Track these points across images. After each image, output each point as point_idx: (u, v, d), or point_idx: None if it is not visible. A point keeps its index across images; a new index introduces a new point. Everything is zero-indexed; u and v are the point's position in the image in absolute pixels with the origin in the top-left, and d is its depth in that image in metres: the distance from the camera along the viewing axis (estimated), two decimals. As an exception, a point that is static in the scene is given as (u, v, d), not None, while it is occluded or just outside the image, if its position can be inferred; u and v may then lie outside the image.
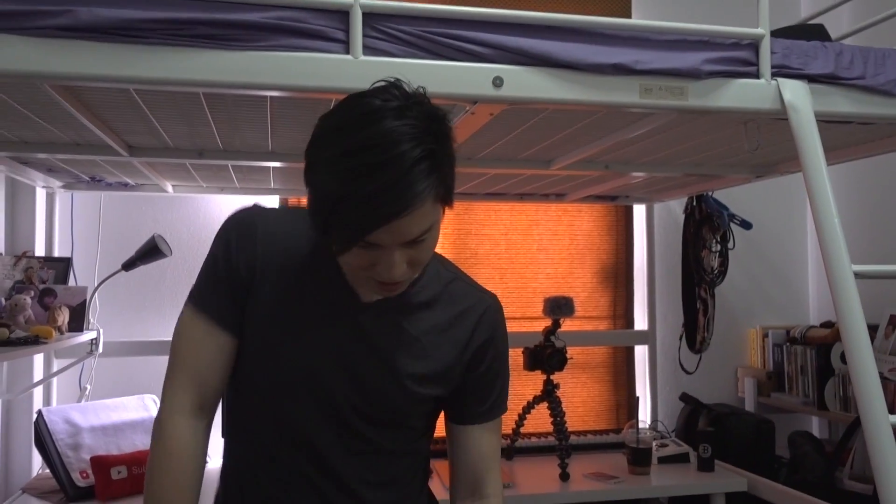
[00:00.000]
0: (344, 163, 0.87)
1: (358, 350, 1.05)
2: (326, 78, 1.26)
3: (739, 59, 1.44)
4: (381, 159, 0.87)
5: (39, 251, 2.47)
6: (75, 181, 2.43)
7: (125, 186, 2.51)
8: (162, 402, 1.08)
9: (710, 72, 1.41)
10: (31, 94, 1.41)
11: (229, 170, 2.20)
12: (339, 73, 1.26)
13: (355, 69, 1.26)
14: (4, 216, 2.42)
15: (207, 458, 1.11)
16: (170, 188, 2.52)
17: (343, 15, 1.27)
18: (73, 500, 2.05)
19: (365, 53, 1.27)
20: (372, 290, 1.01)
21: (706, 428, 2.56)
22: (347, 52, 1.27)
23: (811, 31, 1.77)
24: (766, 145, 1.81)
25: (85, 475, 2.09)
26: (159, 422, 1.07)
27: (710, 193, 2.77)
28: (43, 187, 2.47)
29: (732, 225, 2.75)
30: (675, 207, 3.07)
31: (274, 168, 2.14)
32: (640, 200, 3.00)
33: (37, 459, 2.41)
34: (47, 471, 2.31)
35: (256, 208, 1.11)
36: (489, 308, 1.15)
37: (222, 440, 1.16)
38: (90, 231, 2.58)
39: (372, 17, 1.28)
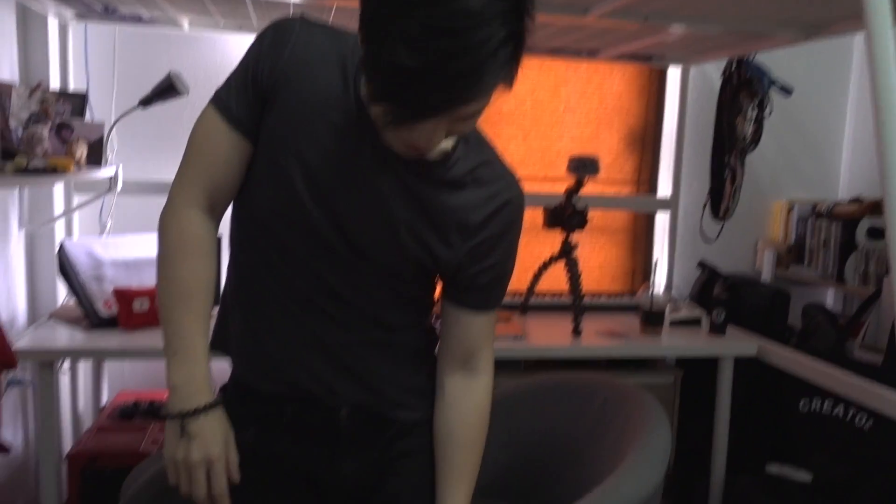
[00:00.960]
0: (422, 40, 0.79)
1: (366, 190, 1.01)
2: None
3: None
4: (464, 44, 0.79)
5: (54, 85, 2.41)
6: (87, 10, 2.33)
7: (139, 20, 2.41)
8: (171, 194, 1.05)
9: None
10: None
11: (247, 4, 2.09)
12: None
13: None
14: (17, 47, 2.34)
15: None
16: (185, 24, 2.42)
17: None
18: (97, 326, 2.11)
19: None
20: (399, 147, 0.96)
21: (721, 295, 2.56)
22: None
23: None
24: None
25: (108, 305, 2.14)
26: (169, 211, 1.04)
27: (751, 57, 2.63)
28: (55, 16, 2.38)
29: (771, 92, 2.63)
30: (710, 73, 2.93)
31: (294, 3, 2.04)
32: (676, 61, 2.86)
33: (62, 290, 2.47)
34: (72, 301, 2.37)
35: (302, 18, 1.04)
36: (512, 202, 1.09)
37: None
38: (105, 67, 2.51)
39: None
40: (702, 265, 2.88)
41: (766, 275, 2.98)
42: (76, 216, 2.51)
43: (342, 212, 1.02)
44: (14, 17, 2.32)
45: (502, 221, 1.09)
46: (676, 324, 2.59)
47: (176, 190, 1.05)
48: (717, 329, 2.50)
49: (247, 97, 1.01)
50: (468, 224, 1.06)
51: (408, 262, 1.06)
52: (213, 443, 0.99)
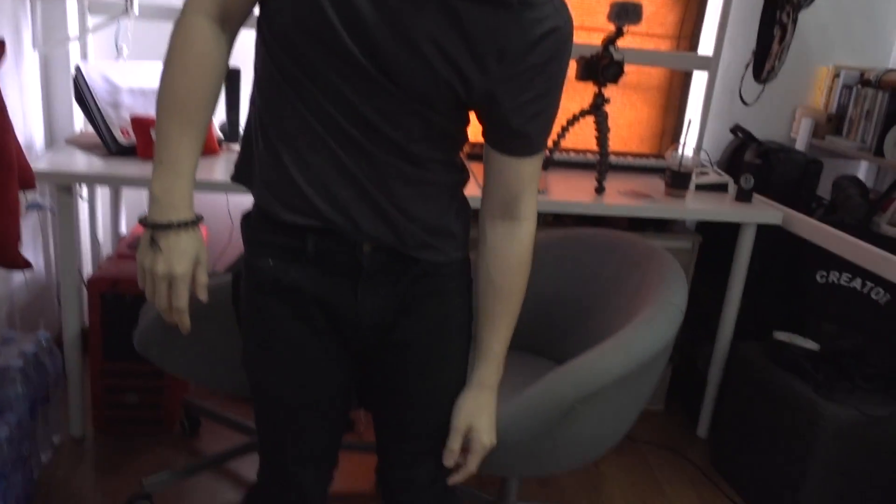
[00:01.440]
0: None
1: (396, 8, 0.93)
2: None
3: None
4: None
5: None
6: None
7: None
8: (184, 6, 1.01)
9: None
10: None
11: None
12: None
13: None
14: None
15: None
16: None
17: None
18: (114, 154, 2.09)
19: None
20: None
21: (753, 160, 2.48)
22: None
23: None
24: None
25: (126, 133, 2.10)
26: (179, 22, 1.00)
27: None
28: None
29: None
30: (772, -84, 2.68)
31: None
32: None
33: (78, 116, 2.43)
34: (90, 129, 2.34)
35: None
36: (560, 28, 1.00)
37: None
38: None
39: None
40: (736, 129, 2.78)
41: (801, 143, 2.88)
42: (91, 39, 2.42)
43: (371, 28, 0.94)
44: None
45: (547, 50, 1.01)
46: (703, 188, 2.54)
47: (189, 2, 1.00)
48: (744, 196, 2.44)
49: None
50: (509, 48, 0.99)
51: (439, 87, 1.00)
52: (178, 260, 0.99)
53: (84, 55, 2.42)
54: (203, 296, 1.04)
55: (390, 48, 0.96)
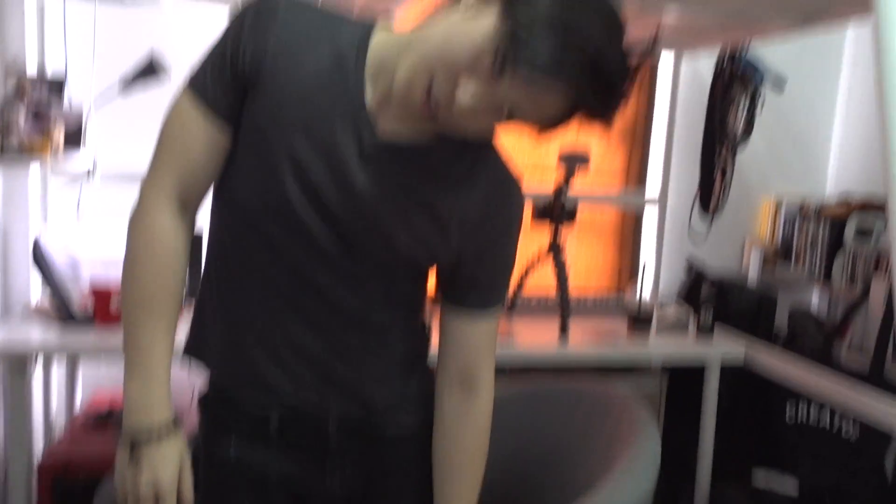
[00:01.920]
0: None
1: (357, 183, 0.95)
2: None
3: None
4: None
5: (32, 69, 2.33)
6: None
7: None
8: (142, 191, 0.99)
9: None
10: None
11: (232, -12, 2.02)
12: None
13: None
14: (-9, 26, 2.26)
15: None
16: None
17: None
18: (72, 323, 2.05)
19: None
20: (403, 103, 0.90)
21: (708, 297, 2.54)
22: None
23: None
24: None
25: (85, 301, 2.07)
26: (139, 214, 0.98)
27: (744, 51, 2.60)
28: (31, -5, 2.29)
29: (763, 89, 2.60)
30: (702, 69, 2.89)
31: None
32: (667, 46, 2.78)
33: (36, 282, 2.39)
34: (47, 295, 2.30)
35: None
36: (511, 187, 1.05)
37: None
38: (84, 49, 2.42)
39: None
40: (689, 266, 2.86)
41: (753, 275, 2.97)
42: (51, 205, 2.44)
43: (334, 207, 0.96)
44: (-13, -4, 2.23)
45: (504, 216, 1.05)
46: (664, 324, 2.57)
47: (147, 184, 0.99)
48: (706, 329, 2.48)
49: (225, 82, 0.95)
50: (468, 219, 1.01)
51: (401, 258, 1.01)
52: (163, 472, 0.94)
53: (44, 221, 2.42)
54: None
55: (353, 226, 0.97)
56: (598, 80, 0.84)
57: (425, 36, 0.89)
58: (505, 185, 1.05)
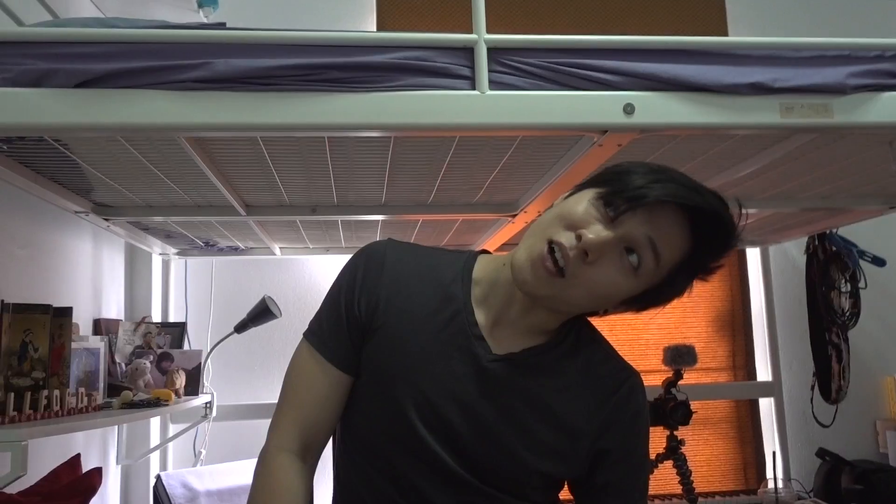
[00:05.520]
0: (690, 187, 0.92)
1: (480, 408, 0.97)
2: (454, 114, 1.23)
3: (885, 71, 1.35)
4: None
5: (156, 317, 2.53)
6: (189, 247, 2.50)
7: (236, 251, 2.56)
8: (268, 437, 1.02)
9: (855, 86, 1.32)
10: (163, 152, 1.45)
11: (338, 227, 2.21)
12: (467, 109, 1.24)
13: (483, 104, 1.24)
14: (125, 283, 2.50)
15: None
16: (277, 251, 2.55)
17: (468, 52, 1.25)
18: (193, 565, 2.02)
19: (491, 88, 1.25)
20: (526, 270, 0.92)
21: (853, 486, 2.33)
22: (474, 88, 1.24)
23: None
24: (911, 167, 1.68)
25: (204, 540, 2.06)
26: (264, 458, 1.01)
27: (834, 231, 2.60)
28: (160, 254, 2.55)
29: (863, 263, 2.56)
30: (790, 250, 2.90)
31: (383, 221, 2.14)
32: (753, 244, 2.85)
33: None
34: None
35: (390, 241, 1.07)
36: (631, 383, 1.04)
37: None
38: (203, 295, 2.63)
39: (497, 52, 1.26)
40: (822, 453, 2.66)
41: (894, 458, 2.72)
42: (170, 445, 2.51)
43: (461, 435, 0.97)
44: (123, 257, 2.49)
45: (628, 414, 1.02)
46: (807, 523, 2.35)
47: (272, 433, 1.03)
48: (857, 526, 2.24)
49: (342, 333, 1.01)
50: (593, 423, 1.00)
51: (532, 474, 0.99)
52: None
53: (164, 462, 2.49)
54: None
55: (484, 452, 0.97)
56: (707, 203, 0.90)
57: (531, 230, 0.96)
58: (626, 383, 1.04)
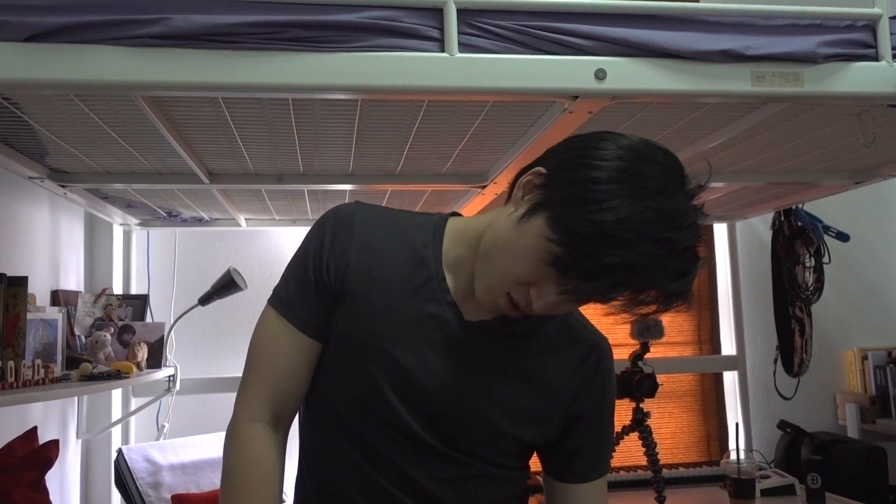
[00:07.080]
0: (665, 252, 0.82)
1: (453, 375, 0.96)
2: (422, 77, 1.20)
3: (856, 41, 1.34)
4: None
5: (117, 289, 2.47)
6: (152, 217, 2.44)
7: (200, 221, 2.50)
8: (236, 408, 1.00)
9: (826, 55, 1.31)
10: (120, 113, 1.40)
11: (305, 197, 2.17)
12: (435, 72, 1.20)
13: (451, 67, 1.21)
14: (84, 254, 2.43)
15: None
16: (243, 221, 2.50)
17: (437, 13, 1.22)
18: (156, 539, 1.99)
19: (461, 50, 1.22)
20: (491, 308, 0.92)
21: (812, 456, 2.38)
22: (443, 50, 1.21)
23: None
24: (879, 140, 1.69)
25: (167, 513, 2.03)
26: (233, 429, 0.98)
27: (799, 206, 2.63)
28: (121, 225, 2.48)
29: (827, 238, 2.60)
30: (757, 226, 2.93)
31: (350, 192, 2.10)
32: (720, 219, 2.87)
33: (115, 497, 2.37)
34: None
35: (358, 203, 1.04)
36: (600, 349, 1.04)
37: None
38: (166, 267, 2.57)
39: (466, 14, 1.23)
40: (783, 425, 2.71)
41: (853, 430, 2.78)
42: (133, 419, 2.47)
43: (432, 402, 0.96)
44: (82, 226, 2.42)
45: (598, 380, 1.03)
46: (768, 492, 2.39)
47: (240, 404, 1.00)
48: (815, 497, 2.29)
49: (310, 300, 0.98)
50: (567, 388, 1.01)
51: (508, 439, 0.99)
52: None
53: (125, 436, 2.44)
54: None
55: (456, 419, 0.96)
56: (684, 286, 0.87)
57: (488, 252, 0.92)
58: (596, 349, 1.04)
